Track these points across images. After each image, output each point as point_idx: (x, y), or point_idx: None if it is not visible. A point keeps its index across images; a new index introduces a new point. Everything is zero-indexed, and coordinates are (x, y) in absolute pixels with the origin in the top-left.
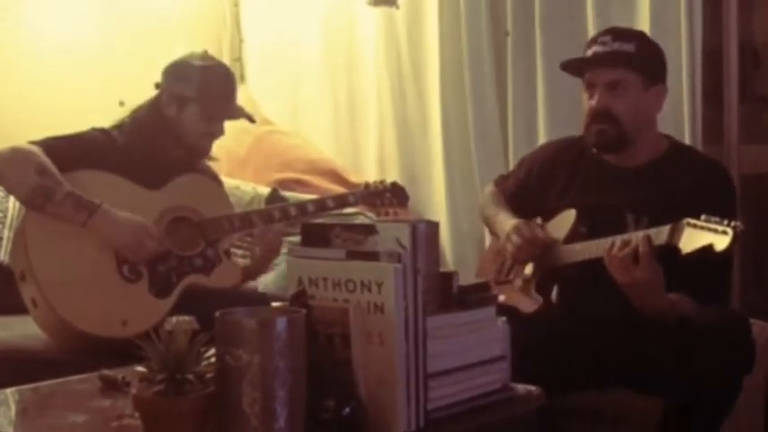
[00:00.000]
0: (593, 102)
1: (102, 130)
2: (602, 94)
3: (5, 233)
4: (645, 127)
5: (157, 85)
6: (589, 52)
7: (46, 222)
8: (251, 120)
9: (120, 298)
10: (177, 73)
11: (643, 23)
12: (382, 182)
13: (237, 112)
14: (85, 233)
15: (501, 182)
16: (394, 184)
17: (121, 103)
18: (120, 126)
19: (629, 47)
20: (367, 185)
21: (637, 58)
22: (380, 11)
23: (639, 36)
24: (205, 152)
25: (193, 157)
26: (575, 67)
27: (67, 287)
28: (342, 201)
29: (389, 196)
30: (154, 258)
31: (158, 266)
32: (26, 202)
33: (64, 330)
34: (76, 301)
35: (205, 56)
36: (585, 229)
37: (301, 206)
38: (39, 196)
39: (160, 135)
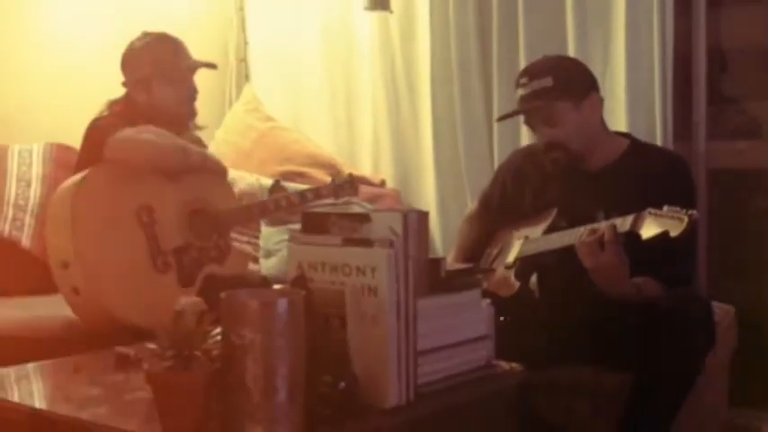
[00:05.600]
0: (539, 137)
1: (110, 116)
2: (543, 128)
3: (27, 220)
4: (594, 137)
5: (124, 84)
6: (516, 95)
7: (90, 217)
8: (213, 67)
9: (155, 289)
10: (129, 62)
11: (619, 31)
12: (342, 175)
13: (195, 64)
14: (122, 225)
15: (482, 198)
16: (350, 176)
17: None
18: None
19: (546, 82)
20: (333, 180)
21: (557, 89)
22: (376, 16)
23: (554, 65)
24: (192, 116)
25: (183, 126)
26: (510, 117)
27: (110, 279)
28: (317, 193)
29: (347, 187)
30: (180, 251)
31: (183, 258)
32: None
33: (101, 317)
34: (118, 292)
35: (144, 35)
36: (566, 223)
37: (287, 198)
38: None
39: (145, 120)
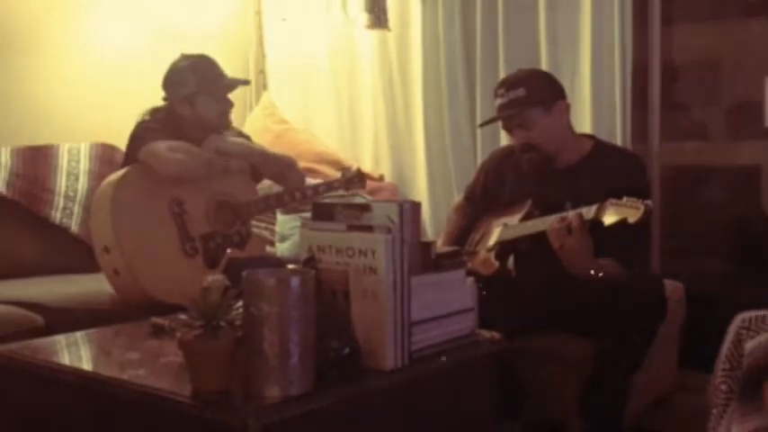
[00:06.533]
0: (516, 139)
1: (151, 121)
2: (519, 132)
3: (76, 209)
4: (562, 139)
5: (164, 99)
6: (495, 104)
7: (128, 209)
8: (247, 83)
9: (185, 271)
10: (174, 80)
11: (585, 47)
12: (351, 170)
13: (234, 83)
14: (156, 216)
15: (467, 191)
16: (359, 170)
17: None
18: (149, 121)
19: (520, 92)
20: (343, 174)
21: (529, 98)
22: (375, 33)
23: (526, 77)
24: (228, 126)
25: (218, 133)
26: (490, 122)
27: (146, 262)
28: (329, 186)
29: (356, 180)
30: (206, 238)
31: (209, 244)
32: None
33: (138, 295)
34: (153, 274)
35: (184, 57)
36: (539, 212)
37: (302, 190)
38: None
39: (187, 131)
